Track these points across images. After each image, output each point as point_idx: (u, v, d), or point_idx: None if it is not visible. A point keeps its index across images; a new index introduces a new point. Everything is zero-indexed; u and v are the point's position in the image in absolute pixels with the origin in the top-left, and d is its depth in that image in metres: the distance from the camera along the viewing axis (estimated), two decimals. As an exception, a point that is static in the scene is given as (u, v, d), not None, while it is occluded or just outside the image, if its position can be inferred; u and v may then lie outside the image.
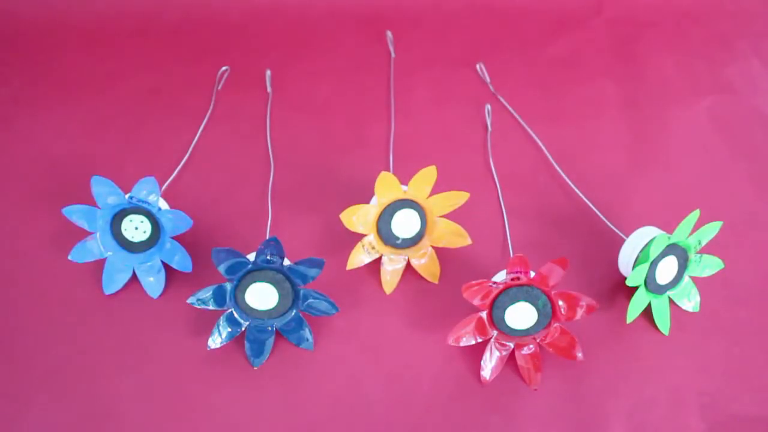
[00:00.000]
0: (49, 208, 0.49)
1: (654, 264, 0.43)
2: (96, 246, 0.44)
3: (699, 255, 0.45)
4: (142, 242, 0.45)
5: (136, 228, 0.44)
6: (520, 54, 0.62)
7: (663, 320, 0.44)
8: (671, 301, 0.45)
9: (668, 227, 0.44)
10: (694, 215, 0.42)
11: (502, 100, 0.58)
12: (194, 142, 0.54)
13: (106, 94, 0.58)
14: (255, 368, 0.42)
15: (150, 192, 0.43)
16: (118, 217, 0.44)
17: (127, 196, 0.44)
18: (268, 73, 0.59)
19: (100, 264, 0.45)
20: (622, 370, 0.42)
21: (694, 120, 0.57)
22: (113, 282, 0.45)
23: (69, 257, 0.44)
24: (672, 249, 0.43)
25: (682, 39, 0.64)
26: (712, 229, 0.44)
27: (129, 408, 0.40)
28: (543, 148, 0.54)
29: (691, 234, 0.43)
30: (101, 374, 0.42)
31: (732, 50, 0.63)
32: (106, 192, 0.43)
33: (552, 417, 0.41)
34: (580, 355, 0.41)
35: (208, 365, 0.42)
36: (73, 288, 0.45)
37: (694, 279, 0.46)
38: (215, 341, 0.42)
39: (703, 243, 0.44)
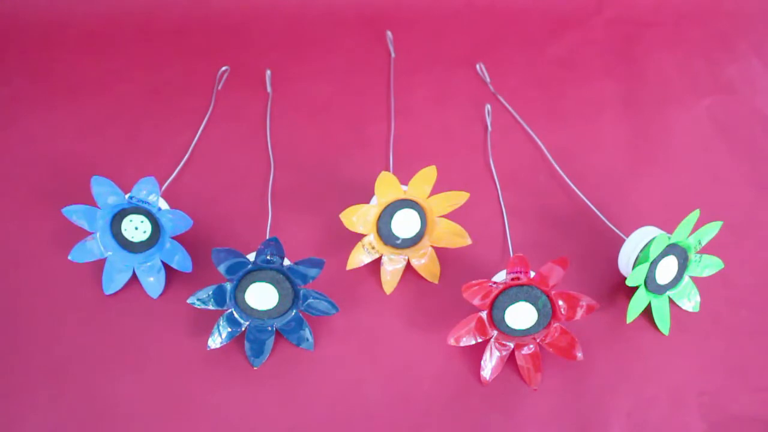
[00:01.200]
0: (49, 208, 0.49)
1: (654, 264, 0.43)
2: (96, 246, 0.44)
3: (699, 255, 0.45)
4: (142, 242, 0.45)
5: (136, 228, 0.44)
6: (520, 54, 0.62)
7: (663, 320, 0.44)
8: (671, 301, 0.45)
9: (668, 227, 0.44)
10: (694, 215, 0.42)
11: (502, 100, 0.58)
12: (194, 142, 0.54)
13: (106, 94, 0.58)
14: (255, 368, 0.42)
15: (150, 192, 0.43)
16: (118, 217, 0.44)
17: (127, 196, 0.44)
18: (268, 73, 0.59)
19: (100, 264, 0.45)
20: (622, 370, 0.42)
21: (694, 120, 0.57)
22: (113, 282, 0.45)
23: (69, 257, 0.44)
24: (672, 249, 0.43)
25: (682, 39, 0.64)
26: (712, 229, 0.44)
27: (129, 407, 0.40)
28: (543, 148, 0.54)
29: (691, 234, 0.43)
30: (101, 374, 0.42)
31: (732, 50, 0.63)
32: (106, 192, 0.43)
33: (552, 417, 0.41)
34: (580, 355, 0.41)
35: (208, 365, 0.42)
36: (73, 288, 0.45)
37: (694, 279, 0.46)
38: (215, 341, 0.42)
39: (703, 243, 0.44)
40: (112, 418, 0.40)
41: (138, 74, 0.59)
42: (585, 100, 0.58)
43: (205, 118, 0.56)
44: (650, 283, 0.43)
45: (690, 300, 0.45)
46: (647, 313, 0.44)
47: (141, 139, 0.55)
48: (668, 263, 0.43)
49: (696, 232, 0.43)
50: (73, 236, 0.45)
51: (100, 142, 0.54)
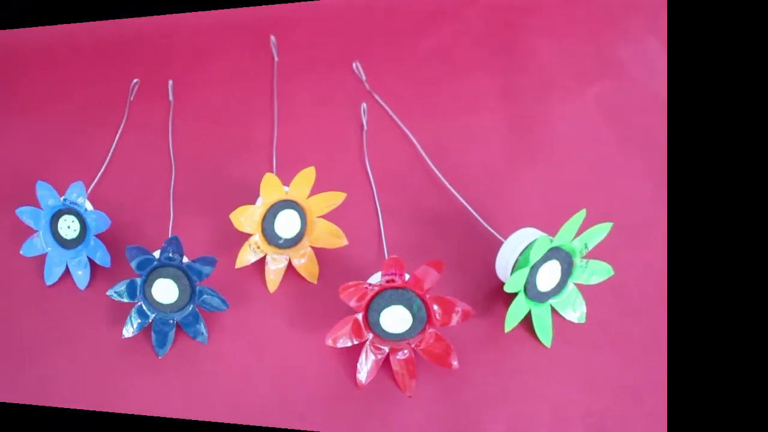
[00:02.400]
0: (9, 209, 0.54)
1: (534, 269, 0.39)
2: (39, 242, 0.50)
3: (585, 260, 0.41)
4: (73, 239, 0.50)
5: (68, 227, 0.49)
6: (394, 49, 0.59)
7: (544, 330, 0.41)
8: (554, 310, 0.41)
9: (551, 229, 0.40)
10: (580, 215, 0.38)
11: (376, 97, 0.56)
12: (111, 150, 0.57)
13: (47, 111, 0.61)
14: (159, 357, 0.45)
15: (78, 195, 0.48)
16: (56, 217, 0.50)
17: (62, 198, 0.49)
18: (170, 83, 0.61)
19: (43, 258, 0.50)
20: (501, 382, 0.40)
21: (580, 109, 0.51)
22: (52, 274, 0.50)
23: (20, 251, 0.50)
24: (555, 253, 0.39)
25: (565, 20, 0.56)
26: (601, 231, 0.39)
27: (61, 382, 0.45)
28: (418, 146, 0.52)
29: (576, 236, 0.39)
30: (38, 353, 0.46)
31: (623, 29, 0.54)
32: (47, 195, 0.49)
33: (428, 425, 0.39)
34: (455, 363, 0.40)
35: (125, 351, 0.45)
36: (23, 278, 0.51)
37: (580, 287, 0.41)
38: (128, 330, 0.46)
39: (590, 247, 0.40)
40: (46, 392, 0.44)
41: (70, 92, 0.62)
42: (461, 94, 0.54)
43: (120, 128, 0.59)
44: (530, 289, 0.40)
45: (575, 310, 0.41)
46: (528, 321, 0.41)
47: (73, 149, 0.58)
48: (550, 268, 0.40)
49: (582, 234, 0.39)
50: (27, 233, 0.51)
51: (44, 152, 0.58)
